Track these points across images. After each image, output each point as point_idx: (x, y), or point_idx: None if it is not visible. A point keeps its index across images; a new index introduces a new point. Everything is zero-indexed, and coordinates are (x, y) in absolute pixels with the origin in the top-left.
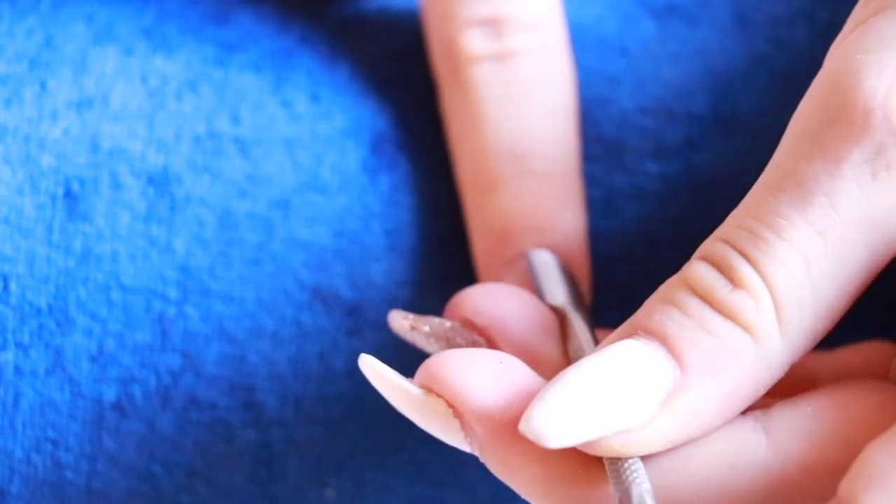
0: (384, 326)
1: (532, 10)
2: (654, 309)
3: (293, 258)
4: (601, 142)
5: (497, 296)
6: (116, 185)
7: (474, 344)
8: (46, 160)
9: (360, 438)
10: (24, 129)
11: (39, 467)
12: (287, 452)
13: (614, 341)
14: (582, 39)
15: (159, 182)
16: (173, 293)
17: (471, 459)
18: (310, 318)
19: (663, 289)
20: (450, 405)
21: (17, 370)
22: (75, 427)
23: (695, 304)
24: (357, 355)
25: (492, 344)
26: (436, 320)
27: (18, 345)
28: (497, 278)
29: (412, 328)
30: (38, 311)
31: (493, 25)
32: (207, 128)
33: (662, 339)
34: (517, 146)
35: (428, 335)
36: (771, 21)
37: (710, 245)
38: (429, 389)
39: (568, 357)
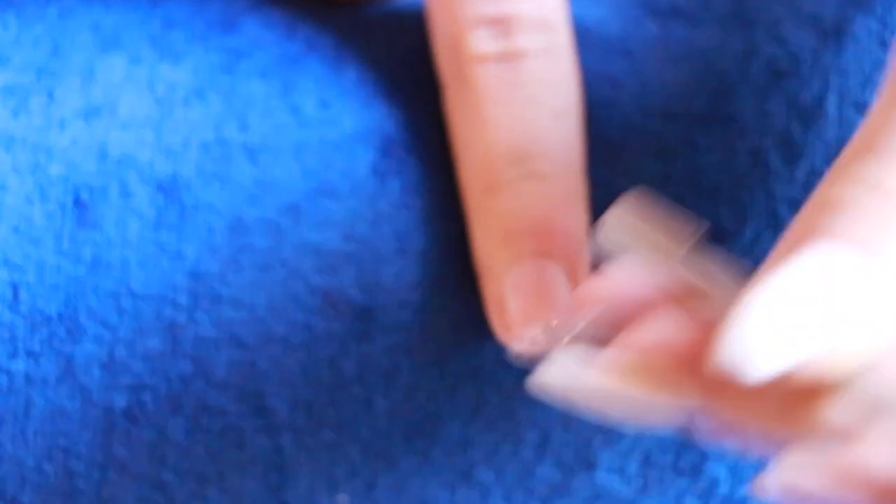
0: (394, 329)
1: (539, 9)
2: (816, 211)
3: (304, 263)
4: (603, 144)
5: (620, 283)
6: (126, 193)
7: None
8: (55, 169)
9: (372, 442)
10: (31, 138)
11: (51, 476)
12: (299, 458)
13: (783, 258)
14: (585, 41)
15: (168, 189)
16: (184, 300)
17: (484, 461)
18: (320, 323)
19: (815, 197)
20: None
21: (28, 379)
22: (86, 435)
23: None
24: (367, 358)
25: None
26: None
27: (29, 353)
28: (498, 281)
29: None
30: (49, 319)
31: (500, 25)
32: (216, 135)
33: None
34: (521, 148)
35: (574, 337)
36: (773, 22)
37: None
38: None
39: (717, 311)
